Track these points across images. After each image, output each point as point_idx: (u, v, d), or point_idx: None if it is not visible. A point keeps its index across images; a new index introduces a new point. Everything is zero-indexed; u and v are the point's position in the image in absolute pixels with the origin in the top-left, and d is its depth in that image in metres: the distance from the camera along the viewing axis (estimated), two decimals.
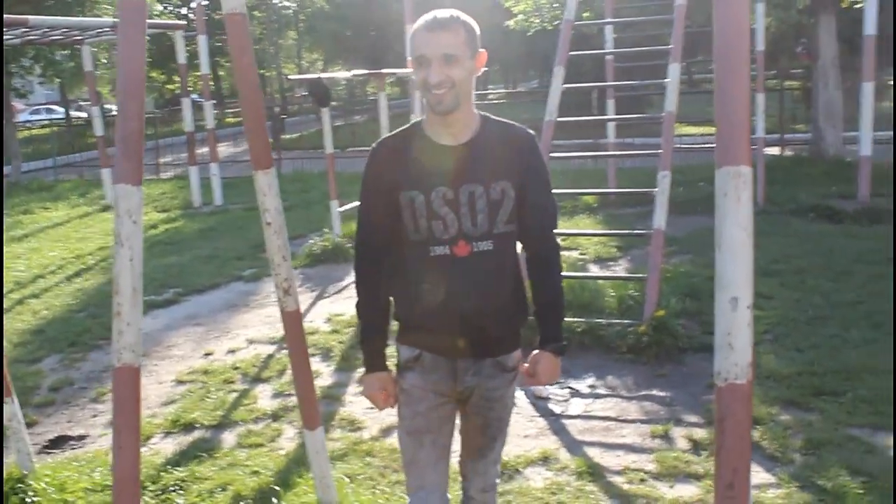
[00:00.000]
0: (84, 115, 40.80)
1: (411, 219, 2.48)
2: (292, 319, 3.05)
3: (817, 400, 4.81)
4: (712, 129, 10.05)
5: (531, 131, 2.64)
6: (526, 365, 2.67)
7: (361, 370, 5.70)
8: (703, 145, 15.21)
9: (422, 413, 2.62)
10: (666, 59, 14.66)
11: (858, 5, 11.13)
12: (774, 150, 13.21)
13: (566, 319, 6.03)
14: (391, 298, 2.66)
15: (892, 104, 18.21)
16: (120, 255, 2.33)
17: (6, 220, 13.79)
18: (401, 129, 2.64)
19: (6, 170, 19.84)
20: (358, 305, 2.66)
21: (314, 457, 3.30)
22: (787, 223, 9.63)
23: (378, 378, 2.65)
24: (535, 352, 2.65)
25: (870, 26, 10.33)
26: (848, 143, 14.12)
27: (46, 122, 36.46)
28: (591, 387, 5.38)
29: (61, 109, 41.01)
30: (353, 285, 2.69)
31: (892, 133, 14.86)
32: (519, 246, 2.65)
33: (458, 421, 2.77)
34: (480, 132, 2.52)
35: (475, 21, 2.48)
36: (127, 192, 2.32)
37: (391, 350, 2.64)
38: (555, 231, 2.69)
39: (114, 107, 47.40)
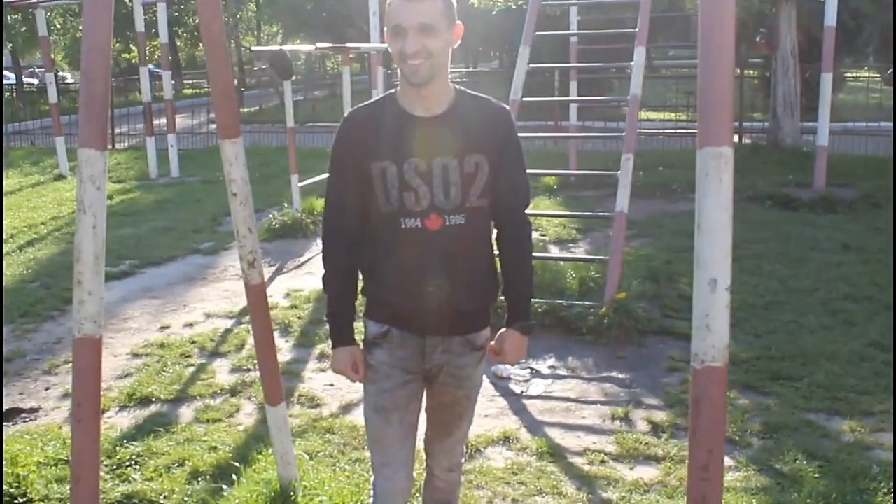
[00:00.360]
0: (36, 81, 39.91)
1: (382, 190, 2.43)
2: (257, 293, 3.00)
3: (774, 384, 4.87)
4: (672, 115, 10.20)
5: (506, 106, 2.60)
6: (492, 343, 2.64)
7: (321, 346, 5.69)
8: (662, 130, 15.32)
9: (388, 390, 2.59)
10: (628, 42, 14.75)
11: None
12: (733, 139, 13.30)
13: None
14: (359, 271, 2.61)
15: (845, 97, 18.48)
16: (82, 222, 2.25)
17: None
18: (373, 100, 2.60)
19: None
20: (325, 279, 2.61)
21: (276, 433, 3.26)
22: (744, 210, 9.72)
23: (348, 351, 2.59)
24: (503, 330, 2.62)
25: (830, 17, 10.43)
26: (805, 132, 14.30)
27: None
28: (552, 367, 5.39)
29: (13, 75, 40.04)
30: (320, 257, 2.63)
31: (845, 125, 15.14)
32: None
33: (424, 398, 2.75)
34: (455, 105, 2.47)
35: None
36: (90, 157, 2.24)
37: (357, 325, 2.60)
38: (527, 209, 2.66)
39: (68, 75, 46.51)
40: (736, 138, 13.81)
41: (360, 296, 2.64)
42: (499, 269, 2.66)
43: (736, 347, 5.41)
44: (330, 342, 2.63)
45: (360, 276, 2.62)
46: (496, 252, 2.66)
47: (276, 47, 9.29)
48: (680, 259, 7.50)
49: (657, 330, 5.85)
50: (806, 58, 14.98)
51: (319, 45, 9.06)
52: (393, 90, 2.56)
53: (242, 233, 2.91)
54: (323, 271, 2.62)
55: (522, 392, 5.02)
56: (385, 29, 2.43)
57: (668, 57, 34.92)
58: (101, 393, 4.95)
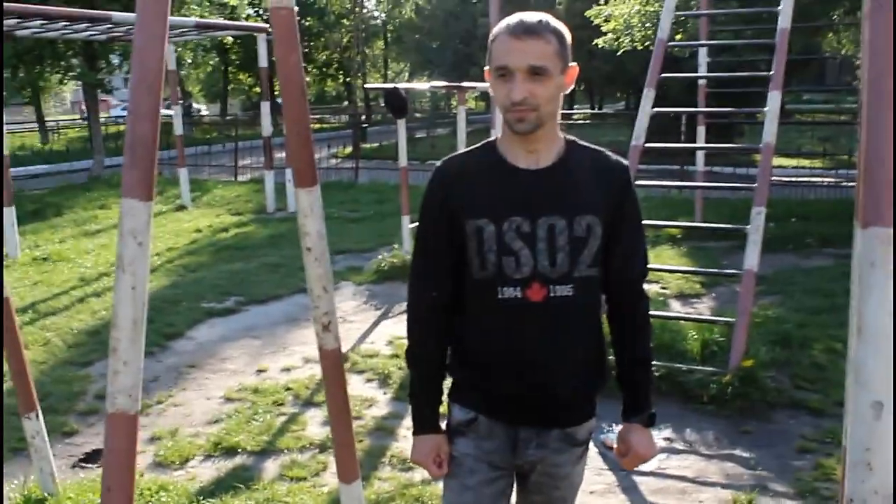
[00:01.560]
0: (171, 112, 41.57)
1: (477, 252, 2.09)
2: (332, 359, 2.68)
3: None
4: (806, 162, 9.57)
5: (625, 161, 2.23)
6: (615, 444, 2.27)
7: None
8: (794, 178, 14.51)
9: (472, 487, 2.22)
10: (760, 86, 14.09)
11: None
12: None
13: None
14: (447, 348, 2.26)
15: None
16: (121, 281, 1.98)
17: (82, 214, 13.86)
18: (471, 147, 2.25)
19: (88, 164, 20.14)
20: (409, 352, 2.28)
21: None
22: None
23: (432, 441, 2.25)
24: (624, 424, 2.26)
25: None
26: None
27: None
28: (668, 440, 4.90)
29: None
30: (406, 329, 2.29)
31: None
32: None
33: (514, 498, 2.37)
34: (565, 157, 2.14)
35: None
36: (133, 209, 1.97)
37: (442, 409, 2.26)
38: (645, 282, 2.28)
39: (202, 107, 48.39)
40: None
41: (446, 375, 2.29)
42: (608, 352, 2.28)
43: None
44: (412, 426, 2.28)
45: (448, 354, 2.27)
46: (606, 332, 2.29)
47: (391, 85, 9.12)
48: (814, 322, 6.87)
49: (787, 403, 5.28)
50: None
51: (434, 83, 8.84)
52: (493, 138, 2.22)
53: (317, 293, 2.61)
54: (407, 345, 2.29)
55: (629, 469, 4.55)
56: (487, 67, 2.09)
57: (801, 101, 33.68)
58: (188, 440, 4.82)
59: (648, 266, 2.31)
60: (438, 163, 2.23)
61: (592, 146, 2.23)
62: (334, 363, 2.68)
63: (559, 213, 2.08)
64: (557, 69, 2.03)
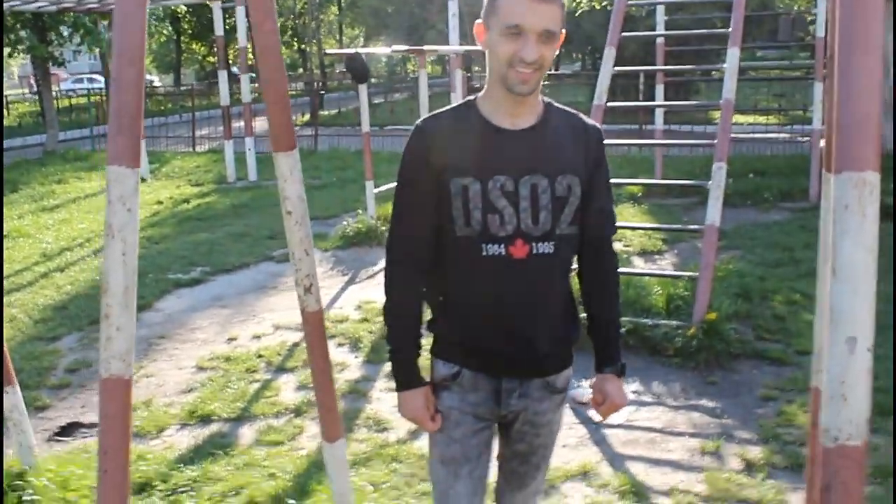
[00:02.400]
0: None
1: (462, 210, 2.12)
2: (314, 321, 2.72)
3: (884, 420, 4.39)
4: (762, 118, 9.70)
5: (599, 126, 2.29)
6: (591, 395, 2.35)
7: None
8: (751, 134, 14.70)
9: (458, 440, 2.28)
10: (716, 43, 14.20)
11: None
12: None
13: None
14: (426, 304, 2.31)
15: None
16: (111, 247, 2.00)
17: (39, 189, 13.65)
18: (450, 107, 2.27)
19: (41, 138, 19.77)
20: (388, 311, 2.30)
21: (333, 472, 2.98)
22: None
23: (421, 394, 2.28)
24: (598, 376, 2.32)
25: None
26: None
27: (85, 91, 36.56)
28: (636, 393, 5.02)
29: (102, 79, 41.08)
30: (383, 287, 2.32)
31: None
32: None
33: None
34: (545, 118, 2.19)
35: None
36: (120, 175, 1.98)
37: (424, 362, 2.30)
38: (613, 239, 2.36)
39: (155, 79, 47.56)
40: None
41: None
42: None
43: None
44: (395, 384, 2.31)
45: (428, 305, 2.32)
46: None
47: (352, 50, 9.07)
48: (773, 275, 7.04)
49: (750, 353, 5.42)
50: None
51: (396, 47, 8.81)
52: (472, 97, 2.24)
53: (298, 255, 2.64)
54: (387, 303, 2.30)
55: (603, 420, 4.66)
56: (484, 23, 2.10)
57: (756, 58, 33.94)
58: (163, 409, 4.84)
59: (616, 225, 2.39)
60: (419, 121, 2.23)
61: (566, 108, 2.28)
62: (316, 325, 2.72)
63: (542, 173, 2.13)
64: (559, 34, 2.08)
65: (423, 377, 2.30)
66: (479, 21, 2.13)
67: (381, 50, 11.18)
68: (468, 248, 2.14)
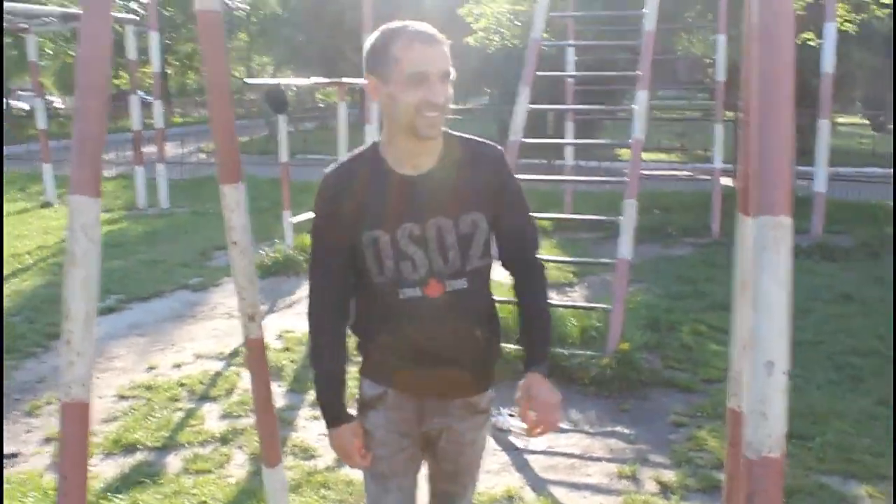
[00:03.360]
0: (24, 105, 39.63)
1: (375, 260, 2.24)
2: (256, 348, 2.81)
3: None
4: (664, 156, 10.08)
5: (499, 147, 2.37)
6: (518, 395, 2.43)
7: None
8: (655, 171, 15.25)
9: (385, 457, 2.41)
10: (620, 83, 14.71)
11: (812, 42, 11.22)
12: (728, 181, 13.27)
13: None
14: (347, 343, 2.41)
15: (834, 142, 18.48)
16: (72, 275, 2.07)
17: None
18: (353, 154, 2.34)
19: None
20: (312, 354, 2.40)
21: (273, 496, 3.05)
22: None
23: (350, 430, 2.37)
24: (528, 375, 2.32)
25: (827, 64, 10.40)
26: (798, 177, 14.24)
27: None
28: None
29: None
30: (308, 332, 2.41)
31: (836, 170, 15.09)
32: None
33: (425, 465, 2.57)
34: (445, 156, 2.27)
35: None
36: (82, 205, 2.06)
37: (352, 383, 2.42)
38: (538, 253, 2.47)
39: (57, 100, 46.25)
40: (730, 181, 13.78)
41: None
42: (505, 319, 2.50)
43: None
44: (324, 421, 2.40)
45: (353, 333, 2.42)
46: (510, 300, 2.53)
47: (272, 80, 9.15)
48: (680, 307, 7.37)
49: (661, 382, 5.68)
50: (799, 102, 14.94)
51: (315, 79, 8.92)
52: (374, 142, 2.32)
53: (242, 284, 2.74)
54: (311, 347, 2.41)
55: (525, 446, 4.83)
56: (377, 77, 2.17)
57: (656, 97, 35.10)
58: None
59: (539, 237, 2.48)
60: (326, 171, 2.31)
61: (463, 135, 2.34)
62: (259, 352, 2.81)
63: (444, 214, 2.23)
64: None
65: (349, 414, 2.39)
66: (369, 75, 2.20)
67: (300, 81, 11.24)
68: (385, 292, 2.26)
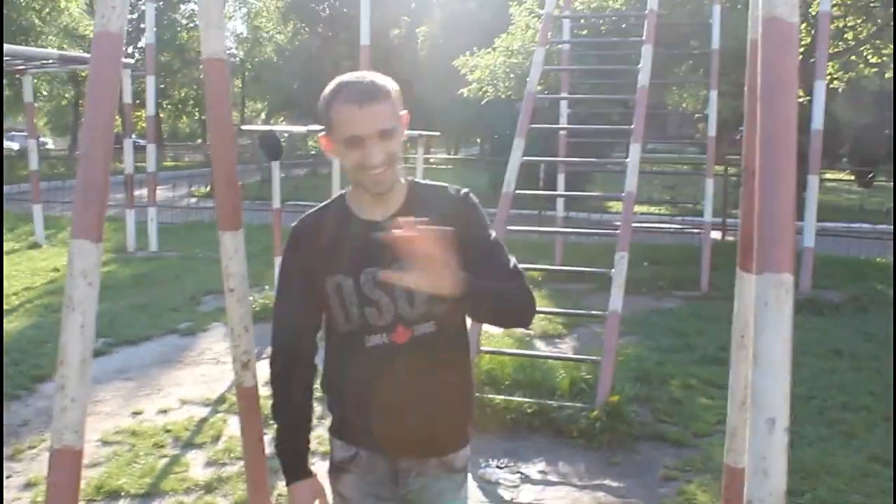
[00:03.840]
0: (16, 145, 39.69)
1: (340, 307, 2.20)
2: (249, 397, 2.79)
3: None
4: (655, 209, 10.15)
5: (464, 190, 2.30)
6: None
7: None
8: (645, 224, 15.33)
9: None
10: (613, 137, 14.87)
11: (802, 99, 11.39)
12: (717, 235, 13.37)
13: (515, 399, 5.83)
14: (312, 398, 2.37)
15: (822, 198, 18.67)
16: (70, 320, 2.06)
17: None
18: (322, 205, 2.35)
19: None
20: (274, 408, 2.36)
21: None
22: (731, 311, 9.61)
23: (308, 486, 2.32)
24: None
25: (817, 121, 10.53)
26: None
27: None
28: (542, 472, 5.16)
29: None
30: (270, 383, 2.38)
31: (823, 225, 15.22)
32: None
33: None
34: (407, 201, 2.24)
35: (396, 83, 2.21)
36: (84, 250, 2.05)
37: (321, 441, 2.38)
38: (512, 266, 2.20)
39: (49, 141, 46.37)
40: (719, 234, 13.87)
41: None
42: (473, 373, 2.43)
43: None
44: (284, 477, 2.35)
45: (322, 390, 2.39)
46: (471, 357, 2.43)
47: (266, 127, 9.19)
48: (670, 360, 7.36)
49: (650, 435, 5.65)
50: None
51: (311, 127, 8.96)
52: (343, 191, 2.33)
53: (238, 332, 2.72)
54: (272, 399, 2.37)
55: (512, 499, 4.78)
56: (322, 134, 2.19)
57: (647, 150, 35.51)
58: None
59: (515, 265, 2.21)
60: (294, 223, 2.32)
61: (431, 182, 2.33)
62: (252, 401, 2.79)
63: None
64: (398, 123, 2.15)
65: (309, 469, 2.34)
66: (321, 133, 2.21)
67: (296, 128, 11.31)
68: (352, 341, 2.22)
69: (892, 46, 13.61)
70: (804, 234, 10.78)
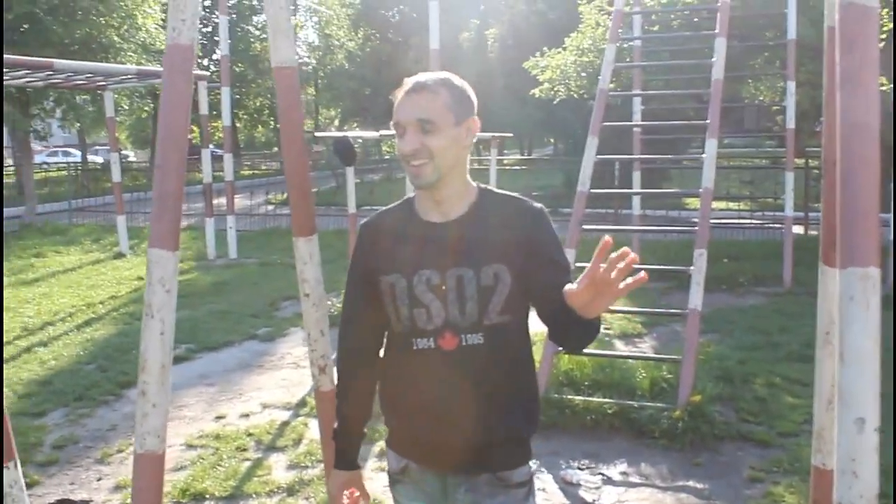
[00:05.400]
0: (100, 159, 40.96)
1: (392, 306, 2.18)
2: (327, 400, 2.81)
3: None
4: (734, 205, 9.92)
5: (538, 205, 2.23)
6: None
7: (381, 444, 5.45)
8: (724, 220, 15.04)
9: None
10: (690, 132, 14.60)
11: (885, 87, 11.01)
12: (799, 229, 13.03)
13: (595, 399, 5.77)
14: (375, 393, 2.37)
15: None
16: (149, 327, 2.10)
17: (17, 262, 13.62)
18: (391, 205, 2.34)
19: (20, 210, 19.78)
20: (338, 395, 2.39)
21: None
22: (816, 307, 9.35)
23: (344, 476, 2.35)
24: (568, 293, 1.95)
25: None
26: None
27: (63, 164, 36.63)
28: (624, 474, 5.09)
29: (78, 152, 41.18)
30: (337, 375, 2.41)
31: None
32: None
33: None
34: (475, 207, 2.19)
35: (468, 84, 2.18)
36: (161, 259, 2.10)
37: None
38: None
39: (131, 153, 47.64)
40: (801, 229, 13.52)
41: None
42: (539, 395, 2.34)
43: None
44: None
45: (379, 400, 2.37)
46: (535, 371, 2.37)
47: (340, 133, 9.27)
48: (753, 358, 7.19)
49: (734, 435, 5.52)
50: None
51: (384, 131, 9.02)
52: (412, 195, 2.31)
53: (314, 336, 2.75)
54: (337, 387, 2.41)
55: (594, 501, 4.72)
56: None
57: (723, 146, 34.86)
58: None
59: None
60: (361, 223, 2.33)
61: (506, 193, 2.27)
62: (330, 404, 2.80)
63: (467, 265, 2.12)
64: (448, 122, 2.09)
65: (353, 461, 2.36)
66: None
67: (368, 133, 11.40)
68: (401, 343, 2.20)
69: None
70: (891, 226, 10.44)
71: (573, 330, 2.00)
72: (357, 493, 2.39)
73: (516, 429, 2.23)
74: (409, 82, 2.14)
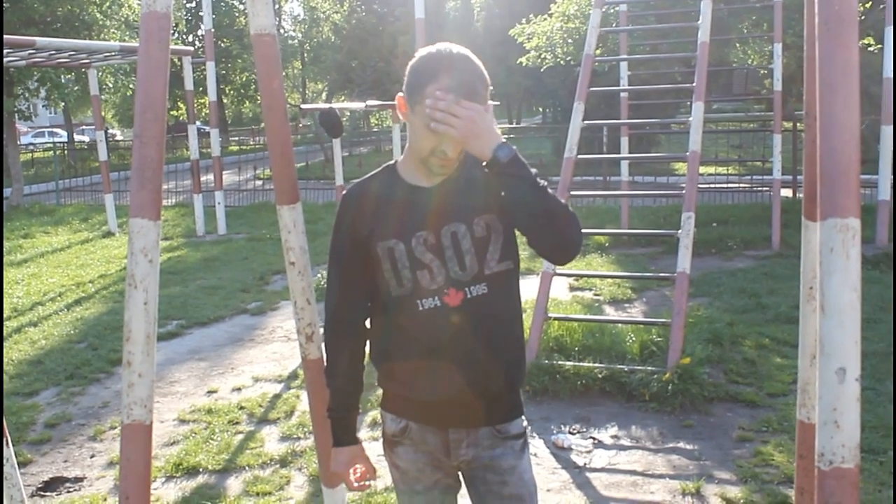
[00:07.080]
0: (87, 138, 40.70)
1: (392, 272, 2.19)
2: (315, 368, 2.81)
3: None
4: (722, 169, 9.91)
5: (513, 147, 2.18)
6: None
7: (374, 414, 5.46)
8: (712, 184, 15.05)
9: (421, 492, 2.34)
10: (674, 97, 14.58)
11: (873, 48, 11.00)
12: (787, 192, 13.05)
13: (585, 364, 5.79)
14: (364, 362, 2.37)
15: None
16: (133, 297, 2.09)
17: (6, 244, 13.56)
18: (371, 173, 2.33)
19: (6, 192, 19.66)
20: (327, 372, 2.38)
21: None
22: None
23: (348, 453, 2.35)
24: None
25: (888, 68, 10.19)
26: (861, 185, 13.91)
27: (49, 144, 36.39)
28: (615, 437, 5.12)
29: (64, 133, 40.90)
30: (324, 350, 2.40)
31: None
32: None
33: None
34: (459, 166, 2.22)
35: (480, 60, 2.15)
36: (142, 228, 2.09)
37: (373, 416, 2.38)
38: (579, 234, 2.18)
39: (118, 132, 47.41)
40: (790, 192, 13.54)
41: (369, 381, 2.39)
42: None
43: None
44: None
45: (373, 364, 2.37)
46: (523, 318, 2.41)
47: (326, 105, 9.22)
48: (742, 320, 7.23)
49: (724, 396, 5.57)
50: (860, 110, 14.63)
51: (370, 102, 8.98)
52: (392, 162, 2.32)
53: (301, 304, 2.74)
54: (326, 363, 2.39)
55: (585, 464, 4.75)
56: (408, 102, 2.12)
57: (712, 110, 34.80)
58: None
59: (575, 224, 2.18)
60: (344, 192, 2.32)
61: None
62: (317, 372, 2.80)
63: (458, 220, 2.17)
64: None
65: (353, 436, 2.36)
66: (401, 94, 2.17)
67: (355, 105, 11.34)
68: (404, 306, 2.20)
69: None
70: (879, 186, 10.48)
71: (535, 221, 2.10)
72: (364, 469, 2.38)
73: (514, 377, 2.29)
74: (453, 82, 2.05)
